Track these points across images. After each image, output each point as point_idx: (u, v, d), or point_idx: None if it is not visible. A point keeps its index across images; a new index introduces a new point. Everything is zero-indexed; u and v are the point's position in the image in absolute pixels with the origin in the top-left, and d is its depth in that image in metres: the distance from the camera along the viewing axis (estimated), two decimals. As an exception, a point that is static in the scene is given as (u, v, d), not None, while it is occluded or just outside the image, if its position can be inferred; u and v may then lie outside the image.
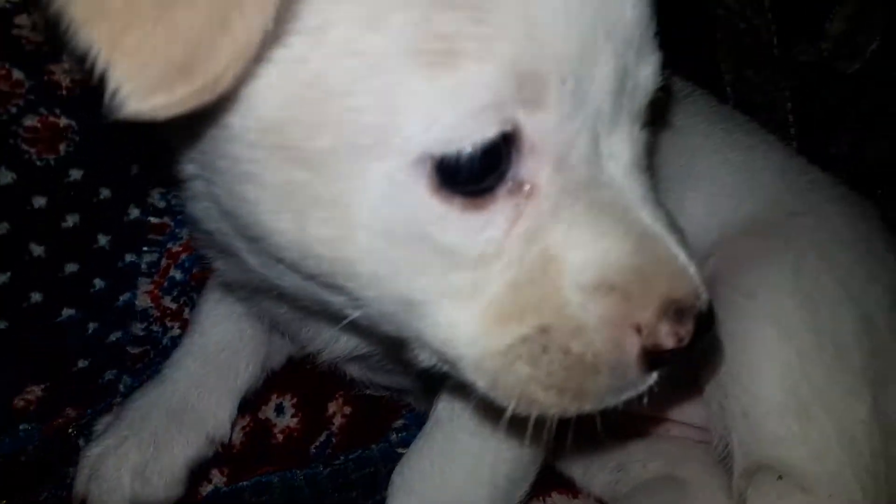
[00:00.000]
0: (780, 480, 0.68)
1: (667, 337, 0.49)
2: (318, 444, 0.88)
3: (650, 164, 0.58)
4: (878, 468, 0.68)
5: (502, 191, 0.48)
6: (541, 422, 0.52)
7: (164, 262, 0.81)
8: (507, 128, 0.46)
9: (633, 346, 0.49)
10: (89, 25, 0.41)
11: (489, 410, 0.57)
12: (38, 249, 0.70)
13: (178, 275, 0.82)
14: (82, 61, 0.42)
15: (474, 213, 0.47)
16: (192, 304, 0.82)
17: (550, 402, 0.50)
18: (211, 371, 0.78)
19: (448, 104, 0.45)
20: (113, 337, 0.78)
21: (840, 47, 1.20)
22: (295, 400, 0.87)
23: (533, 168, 0.48)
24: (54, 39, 0.63)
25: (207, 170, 0.53)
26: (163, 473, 0.73)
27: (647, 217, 0.51)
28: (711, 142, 0.84)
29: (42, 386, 0.74)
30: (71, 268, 0.73)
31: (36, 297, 0.71)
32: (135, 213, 0.77)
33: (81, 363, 0.76)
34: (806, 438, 0.67)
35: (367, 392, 0.87)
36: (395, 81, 0.44)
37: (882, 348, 0.71)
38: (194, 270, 0.83)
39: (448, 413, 0.69)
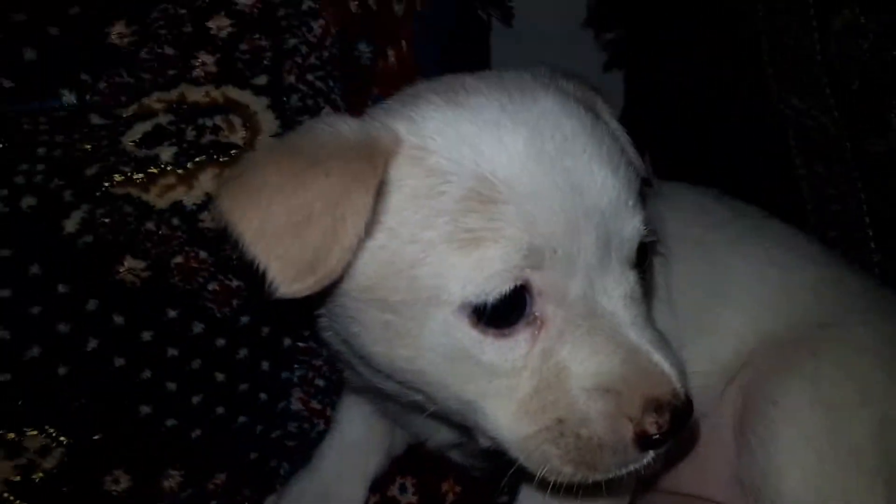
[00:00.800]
0: None
1: (650, 425, 0.65)
2: (435, 515, 1.08)
3: (644, 292, 0.73)
4: None
5: (522, 323, 0.67)
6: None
7: (310, 374, 1.05)
8: (520, 283, 0.65)
9: (627, 431, 0.65)
10: (254, 244, 0.65)
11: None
12: (220, 376, 0.97)
13: (321, 383, 1.06)
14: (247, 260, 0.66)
15: (504, 339, 0.67)
16: (333, 405, 1.06)
17: (570, 472, 0.67)
18: (347, 461, 0.99)
19: (476, 271, 0.64)
20: (275, 434, 1.02)
21: (907, 137, 1.28)
22: (414, 480, 1.07)
23: (542, 306, 0.66)
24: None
25: (331, 314, 0.76)
26: None
27: (634, 336, 0.67)
28: (750, 261, 0.96)
29: (225, 473, 0.98)
30: (243, 387, 0.98)
31: (220, 409, 0.97)
32: (287, 341, 1.02)
33: (253, 455, 1.01)
34: None
35: (472, 474, 1.06)
36: (441, 259, 0.65)
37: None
38: (334, 377, 1.06)
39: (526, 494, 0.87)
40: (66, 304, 0.88)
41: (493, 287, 0.65)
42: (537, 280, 0.66)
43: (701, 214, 1.00)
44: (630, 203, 0.70)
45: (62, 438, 0.88)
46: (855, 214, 1.28)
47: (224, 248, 0.96)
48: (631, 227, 0.70)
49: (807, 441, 0.82)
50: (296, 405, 1.04)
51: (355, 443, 1.00)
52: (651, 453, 0.67)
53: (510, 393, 0.68)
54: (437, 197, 0.65)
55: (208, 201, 0.95)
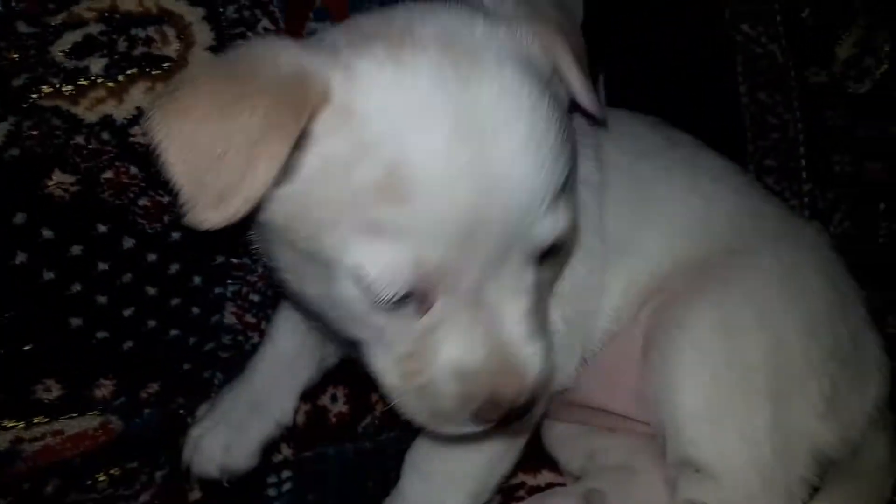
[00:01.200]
0: (697, 473, 0.86)
1: (487, 413, 0.71)
2: (364, 424, 1.13)
3: (549, 279, 0.77)
4: (781, 465, 0.85)
5: (412, 304, 0.70)
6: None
7: (244, 289, 1.07)
8: (409, 287, 0.68)
9: (470, 410, 0.71)
10: (174, 165, 0.67)
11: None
12: (152, 290, 0.98)
13: (255, 298, 1.08)
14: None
15: (391, 313, 0.70)
16: (268, 319, 1.09)
17: (427, 421, 0.74)
18: (279, 373, 1.03)
19: (370, 263, 0.66)
20: (208, 346, 1.05)
21: (849, 69, 1.29)
22: (346, 391, 1.12)
23: (431, 293, 0.69)
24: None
25: (259, 240, 0.79)
26: (242, 449, 0.99)
27: (508, 332, 0.71)
28: (675, 188, 0.99)
29: (159, 383, 1.01)
30: (175, 301, 1.01)
31: (151, 322, 0.99)
32: (220, 258, 1.04)
33: (186, 366, 1.04)
34: (715, 441, 0.85)
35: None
36: (342, 235, 0.67)
37: (787, 367, 0.87)
38: (269, 293, 1.09)
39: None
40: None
41: (383, 285, 0.67)
42: (430, 272, 0.68)
43: (635, 142, 1.02)
44: (546, 203, 0.70)
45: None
46: (791, 144, 1.30)
47: (154, 165, 0.95)
48: (542, 228, 0.70)
49: (704, 361, 0.87)
50: (229, 319, 1.06)
51: (288, 355, 1.04)
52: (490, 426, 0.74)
53: (390, 349, 0.73)
54: (351, 171, 0.66)
55: (139, 115, 0.95)
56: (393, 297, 0.68)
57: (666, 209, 0.98)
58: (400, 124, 0.65)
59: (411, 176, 0.64)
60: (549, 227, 0.70)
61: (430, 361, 0.71)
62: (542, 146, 0.69)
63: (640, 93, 1.42)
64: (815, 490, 0.87)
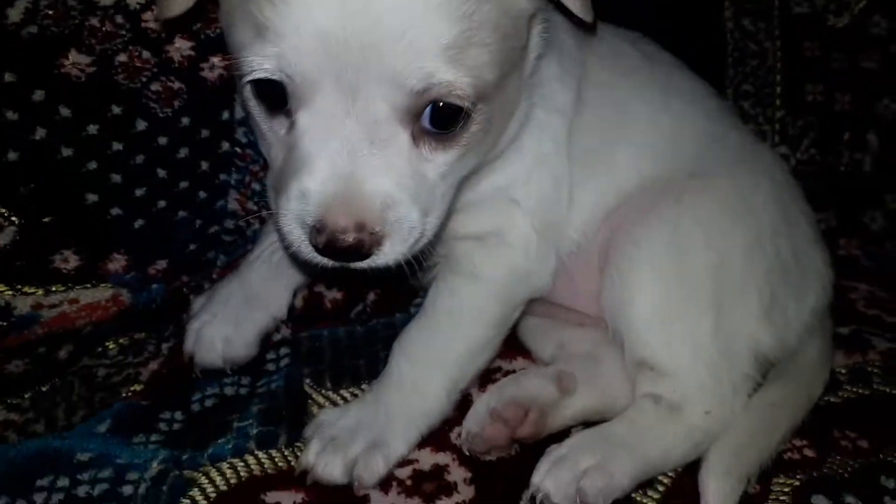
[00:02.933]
0: (652, 371, 0.95)
1: (321, 242, 0.74)
2: (356, 311, 1.21)
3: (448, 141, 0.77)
4: (726, 362, 0.94)
5: (282, 113, 0.75)
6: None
7: (247, 178, 1.13)
8: (282, 78, 0.71)
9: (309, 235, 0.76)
10: None
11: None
12: (161, 172, 1.04)
13: (257, 186, 1.14)
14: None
15: (271, 117, 0.77)
16: (268, 208, 1.14)
17: (291, 243, 0.78)
18: (276, 272, 1.06)
19: (250, 56, 0.71)
20: (213, 229, 1.11)
21: (830, 2, 1.34)
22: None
23: (295, 107, 0.74)
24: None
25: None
26: (242, 341, 1.02)
27: (357, 168, 0.73)
28: (648, 108, 1.03)
29: (166, 261, 1.08)
30: (184, 184, 1.06)
31: (161, 203, 1.05)
32: (226, 145, 1.09)
33: (192, 247, 1.10)
34: (666, 344, 0.94)
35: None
36: (239, 31, 0.73)
37: (730, 280, 0.95)
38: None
39: (431, 300, 0.97)
40: (13, 93, 0.92)
41: (256, 76, 0.71)
42: (291, 86, 0.72)
43: (615, 59, 1.05)
44: (423, 49, 0.70)
45: (14, 218, 0.95)
46: (768, 71, 1.36)
47: (166, 50, 1.00)
48: (410, 71, 0.70)
49: (657, 276, 0.95)
50: (232, 205, 1.13)
51: (283, 256, 1.06)
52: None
53: (273, 165, 0.79)
54: None
55: (151, 1, 0.98)
56: (265, 93, 0.74)
57: (637, 128, 1.02)
58: None
59: None
60: (418, 73, 0.70)
61: (290, 176, 0.75)
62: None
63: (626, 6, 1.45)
64: (758, 385, 0.98)
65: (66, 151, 0.96)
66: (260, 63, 0.71)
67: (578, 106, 0.99)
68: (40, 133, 0.94)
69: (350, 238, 0.73)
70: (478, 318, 0.96)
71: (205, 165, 1.07)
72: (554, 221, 0.98)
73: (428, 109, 0.74)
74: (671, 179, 0.99)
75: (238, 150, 1.10)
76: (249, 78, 0.72)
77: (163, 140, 1.03)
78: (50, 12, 0.93)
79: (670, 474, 0.92)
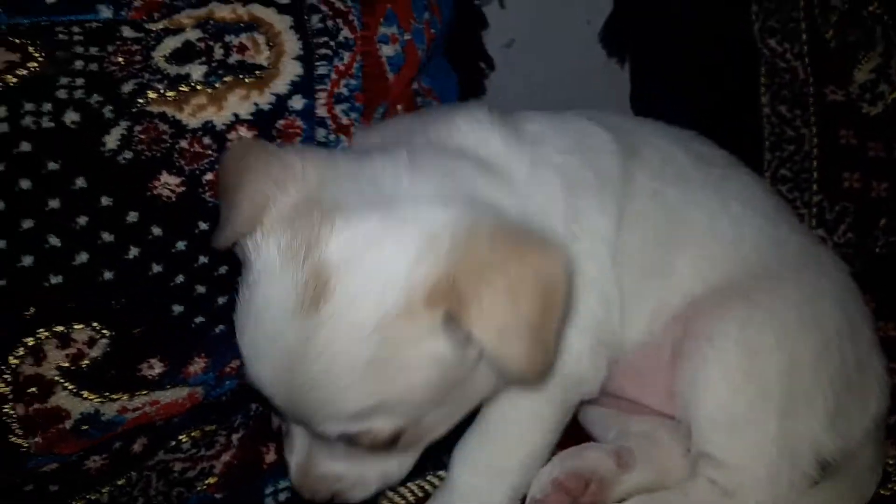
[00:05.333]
0: (713, 460, 1.01)
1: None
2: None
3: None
4: (786, 463, 0.99)
5: None
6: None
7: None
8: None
9: None
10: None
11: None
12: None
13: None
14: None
15: None
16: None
17: None
18: None
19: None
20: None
21: (865, 92, 1.41)
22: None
23: None
24: None
25: None
26: None
27: (309, 460, 0.93)
28: (705, 213, 1.08)
29: (239, 360, 1.14)
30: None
31: (240, 308, 1.10)
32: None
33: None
34: (731, 444, 0.99)
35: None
36: None
37: (798, 385, 1.00)
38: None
39: (488, 410, 1.00)
40: (110, 215, 0.97)
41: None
42: None
43: (663, 165, 1.10)
44: (334, 412, 0.83)
45: (105, 331, 0.99)
46: (805, 157, 1.42)
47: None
48: (327, 426, 0.85)
49: (727, 375, 1.00)
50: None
51: None
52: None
53: None
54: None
55: (236, 122, 1.03)
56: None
57: (695, 234, 1.07)
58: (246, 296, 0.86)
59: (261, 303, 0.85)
60: (333, 429, 0.85)
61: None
62: (334, 380, 0.80)
63: (666, 89, 1.52)
64: (815, 483, 1.03)
65: (157, 268, 1.00)
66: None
67: (628, 220, 1.03)
68: (133, 252, 0.99)
69: (308, 496, 0.95)
70: (537, 425, 1.02)
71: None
72: (606, 339, 1.03)
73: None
74: (736, 281, 1.04)
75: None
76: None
77: (243, 250, 1.07)
78: (143, 137, 0.98)
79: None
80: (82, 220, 0.96)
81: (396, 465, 0.93)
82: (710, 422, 1.01)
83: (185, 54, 1.01)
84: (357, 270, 0.78)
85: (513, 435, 1.00)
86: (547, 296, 0.76)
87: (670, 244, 1.06)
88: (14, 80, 0.93)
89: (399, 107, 1.23)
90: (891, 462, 1.12)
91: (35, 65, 0.94)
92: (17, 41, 0.94)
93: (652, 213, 1.05)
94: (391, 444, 0.86)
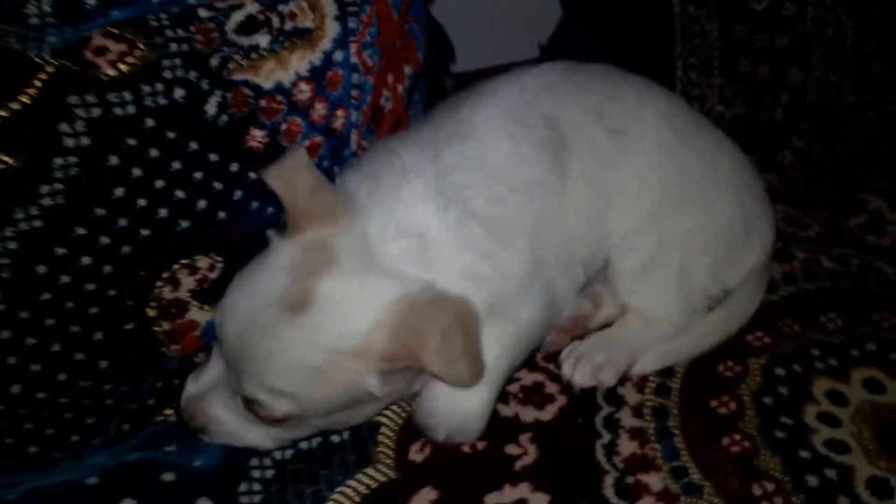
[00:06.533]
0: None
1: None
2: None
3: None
4: (686, 301, 1.34)
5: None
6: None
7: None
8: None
9: None
10: None
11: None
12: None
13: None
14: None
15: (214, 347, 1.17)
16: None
17: None
18: None
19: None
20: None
21: (753, -9, 1.76)
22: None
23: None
24: None
25: None
26: None
27: (197, 387, 1.16)
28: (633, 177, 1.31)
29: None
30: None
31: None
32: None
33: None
34: (645, 297, 1.35)
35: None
36: None
37: (691, 254, 1.33)
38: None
39: None
40: (218, 168, 1.21)
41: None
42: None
43: (588, 151, 1.29)
44: (256, 382, 1.05)
45: (220, 259, 1.26)
46: (708, 48, 1.79)
47: (310, 114, 1.31)
48: (243, 382, 1.06)
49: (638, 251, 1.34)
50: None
51: None
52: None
53: None
54: None
55: (297, 79, 1.27)
56: None
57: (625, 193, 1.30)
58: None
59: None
60: (247, 388, 1.06)
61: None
62: (276, 362, 1.03)
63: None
64: (710, 309, 1.43)
65: (255, 204, 1.26)
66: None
67: (571, 203, 1.25)
68: (237, 194, 1.24)
69: (185, 418, 1.15)
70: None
71: (337, 191, 1.40)
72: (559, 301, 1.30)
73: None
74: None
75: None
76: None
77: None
78: (233, 101, 1.22)
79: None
80: (198, 174, 1.20)
81: (270, 436, 1.14)
82: (629, 282, 1.37)
83: (250, 26, 1.22)
84: (333, 309, 1.03)
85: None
86: (466, 328, 1.05)
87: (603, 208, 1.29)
88: (128, 67, 1.12)
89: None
90: (778, 276, 1.59)
91: (141, 52, 1.14)
92: (121, 34, 1.13)
93: (588, 190, 1.26)
94: (276, 422, 1.07)
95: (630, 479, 1.23)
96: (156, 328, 1.23)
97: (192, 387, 1.14)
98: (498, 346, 1.18)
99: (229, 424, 1.12)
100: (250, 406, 1.06)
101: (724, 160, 1.38)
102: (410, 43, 1.54)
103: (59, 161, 1.08)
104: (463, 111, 1.23)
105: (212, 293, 1.27)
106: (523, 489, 1.22)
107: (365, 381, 1.03)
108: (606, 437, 1.30)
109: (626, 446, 1.28)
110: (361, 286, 1.04)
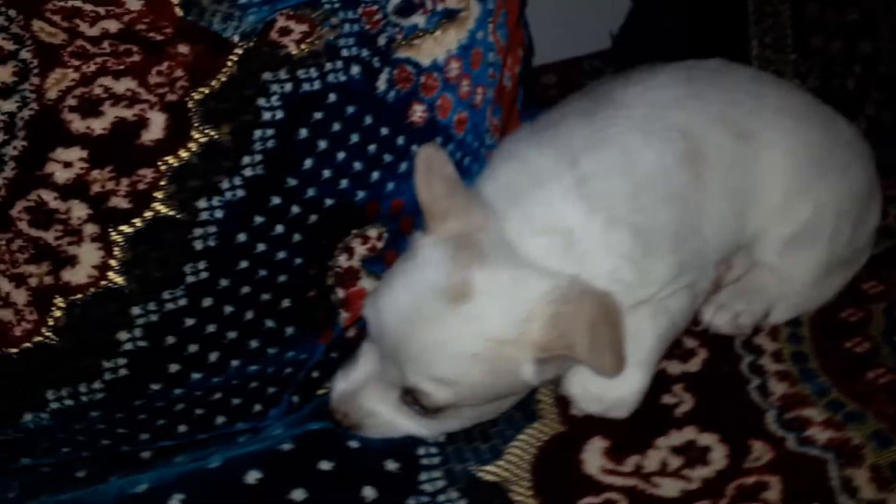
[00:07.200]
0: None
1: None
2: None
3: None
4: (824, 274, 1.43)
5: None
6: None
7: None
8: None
9: None
10: None
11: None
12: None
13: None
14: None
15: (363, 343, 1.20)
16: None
17: None
18: None
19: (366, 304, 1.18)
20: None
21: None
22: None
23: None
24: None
25: None
26: None
27: (348, 384, 1.17)
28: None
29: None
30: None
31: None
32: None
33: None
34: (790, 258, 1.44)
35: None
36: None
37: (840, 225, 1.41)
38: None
39: None
40: (387, 141, 1.28)
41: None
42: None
43: (723, 160, 1.32)
44: (415, 370, 1.07)
45: (385, 229, 1.33)
46: (782, 26, 1.90)
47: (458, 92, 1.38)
48: (406, 377, 1.08)
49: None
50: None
51: None
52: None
53: None
54: None
55: (449, 56, 1.35)
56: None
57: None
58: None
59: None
60: (408, 377, 1.08)
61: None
62: (440, 351, 1.06)
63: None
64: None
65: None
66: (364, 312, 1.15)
67: (707, 216, 1.29)
68: (402, 167, 1.31)
69: (337, 417, 1.17)
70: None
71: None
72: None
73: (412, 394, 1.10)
74: None
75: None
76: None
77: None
78: (399, 78, 1.29)
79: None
80: (372, 147, 1.27)
81: (426, 429, 1.16)
82: (783, 248, 1.43)
83: (407, 8, 1.30)
84: (492, 298, 1.06)
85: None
86: (612, 322, 1.10)
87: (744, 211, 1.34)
88: (309, 47, 1.19)
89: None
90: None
91: (321, 31, 1.21)
92: (302, 15, 1.20)
93: (726, 199, 1.30)
94: (435, 411, 1.09)
95: (790, 415, 1.29)
96: (332, 296, 1.29)
97: (343, 384, 1.16)
98: (652, 336, 1.24)
99: (384, 417, 1.14)
100: (409, 398, 1.10)
101: (843, 130, 1.44)
102: (521, 28, 1.63)
103: (258, 133, 1.14)
104: (598, 121, 1.26)
105: (379, 262, 1.33)
106: (690, 432, 1.28)
107: (521, 370, 1.08)
108: (755, 381, 1.37)
109: (777, 387, 1.35)
110: (515, 278, 1.08)
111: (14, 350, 1.06)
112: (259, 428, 1.29)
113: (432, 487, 1.16)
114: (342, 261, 1.27)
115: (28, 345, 1.06)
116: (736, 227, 1.39)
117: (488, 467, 1.20)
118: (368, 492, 1.13)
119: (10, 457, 1.13)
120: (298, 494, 1.10)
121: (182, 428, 1.20)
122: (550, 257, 1.15)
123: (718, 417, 1.30)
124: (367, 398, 1.14)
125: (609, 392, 1.21)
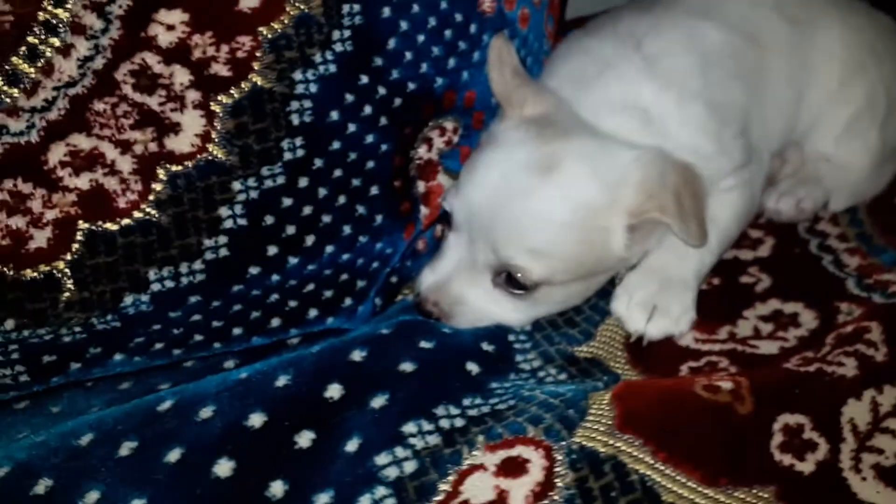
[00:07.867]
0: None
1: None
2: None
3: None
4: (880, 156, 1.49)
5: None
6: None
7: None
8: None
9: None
10: None
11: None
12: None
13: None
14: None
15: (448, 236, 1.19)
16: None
17: None
18: None
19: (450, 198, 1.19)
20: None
21: None
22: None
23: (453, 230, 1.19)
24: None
25: None
26: None
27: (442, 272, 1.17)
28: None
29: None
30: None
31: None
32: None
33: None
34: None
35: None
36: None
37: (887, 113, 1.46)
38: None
39: None
40: (461, 28, 1.27)
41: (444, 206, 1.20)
42: (454, 220, 1.17)
43: (779, 42, 1.38)
44: (511, 246, 1.08)
45: (460, 122, 1.33)
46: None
47: None
48: (499, 253, 1.09)
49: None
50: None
51: None
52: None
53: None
54: None
55: None
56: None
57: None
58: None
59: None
60: (503, 252, 1.09)
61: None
62: (533, 221, 1.07)
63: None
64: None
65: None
66: (448, 203, 1.17)
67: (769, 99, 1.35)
68: (476, 56, 1.32)
69: (427, 307, 1.16)
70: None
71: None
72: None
73: (505, 273, 1.11)
74: None
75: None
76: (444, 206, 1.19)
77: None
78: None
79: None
80: (448, 32, 1.27)
81: (516, 313, 1.16)
82: (838, 134, 1.48)
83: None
84: (583, 166, 1.07)
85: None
86: (695, 191, 1.11)
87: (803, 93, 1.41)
88: None
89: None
90: None
91: None
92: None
93: (785, 82, 1.37)
94: (529, 290, 1.10)
95: (869, 281, 1.32)
96: (414, 189, 1.28)
97: (431, 276, 1.16)
98: (730, 212, 1.28)
99: (477, 303, 1.14)
100: (501, 278, 1.11)
101: (883, 20, 1.52)
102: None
103: (346, 8, 1.14)
104: (658, 11, 1.30)
105: (453, 156, 1.32)
106: (774, 303, 1.30)
107: (612, 239, 1.09)
108: (828, 258, 1.39)
109: (850, 260, 1.38)
110: (601, 148, 1.10)
111: (115, 227, 1.02)
112: (344, 330, 1.26)
113: (529, 366, 1.15)
114: (422, 152, 1.27)
115: (129, 221, 1.02)
116: (793, 114, 1.43)
117: (582, 347, 1.20)
118: (472, 366, 1.11)
119: (104, 352, 1.09)
120: (407, 366, 1.08)
121: (275, 322, 1.17)
122: (631, 132, 1.17)
123: (799, 289, 1.32)
124: (458, 285, 1.15)
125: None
